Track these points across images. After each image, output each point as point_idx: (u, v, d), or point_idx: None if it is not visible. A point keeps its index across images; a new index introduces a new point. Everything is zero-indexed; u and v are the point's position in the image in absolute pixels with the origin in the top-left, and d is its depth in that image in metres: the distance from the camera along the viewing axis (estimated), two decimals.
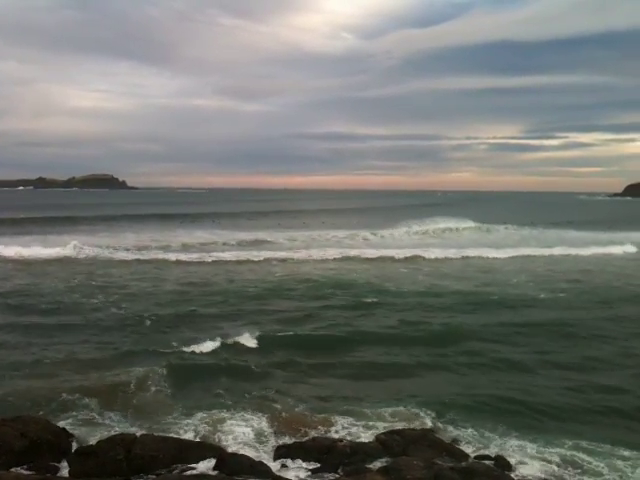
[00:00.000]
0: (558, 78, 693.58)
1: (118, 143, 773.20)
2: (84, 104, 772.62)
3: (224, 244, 49.83)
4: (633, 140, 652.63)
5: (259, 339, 20.18)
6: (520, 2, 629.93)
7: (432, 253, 44.98)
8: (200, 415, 13.95)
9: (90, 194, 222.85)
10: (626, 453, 12.49)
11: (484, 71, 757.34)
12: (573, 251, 47.37)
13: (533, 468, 11.74)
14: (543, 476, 11.44)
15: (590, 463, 11.95)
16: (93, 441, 11.88)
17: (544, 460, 12.08)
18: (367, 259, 42.73)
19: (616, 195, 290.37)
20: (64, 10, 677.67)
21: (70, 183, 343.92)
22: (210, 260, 40.35)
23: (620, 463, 12.00)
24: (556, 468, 11.75)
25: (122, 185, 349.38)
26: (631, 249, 49.20)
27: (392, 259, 42.75)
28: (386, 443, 12.13)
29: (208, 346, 19.38)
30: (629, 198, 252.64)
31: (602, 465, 11.89)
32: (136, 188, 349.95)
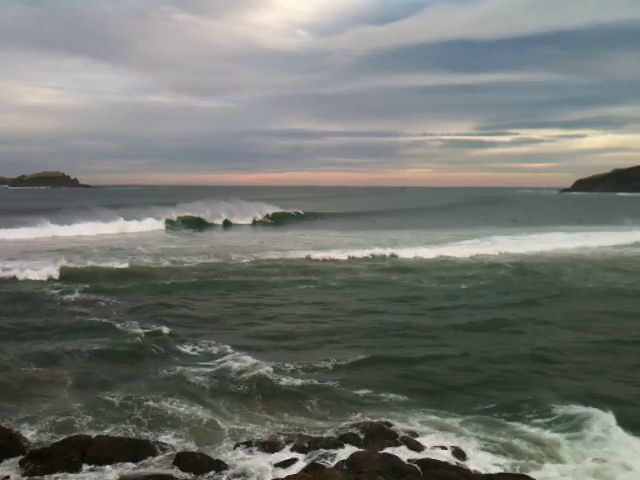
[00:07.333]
0: (509, 76, 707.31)
1: (71, 140, 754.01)
2: (35, 101, 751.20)
3: None
4: (581, 136, 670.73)
5: None
6: (475, 0, 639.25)
7: None
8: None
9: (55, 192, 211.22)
10: None
11: (440, 68, 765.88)
12: None
13: (486, 456, 12.02)
14: (498, 463, 11.70)
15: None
16: (47, 444, 11.63)
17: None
18: None
19: (565, 190, 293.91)
20: (16, 5, 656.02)
21: (20, 181, 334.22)
22: None
23: None
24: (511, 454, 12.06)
25: (73, 183, 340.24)
26: None
27: None
28: (344, 437, 12.26)
29: None
30: (579, 193, 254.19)
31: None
32: (89, 186, 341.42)
